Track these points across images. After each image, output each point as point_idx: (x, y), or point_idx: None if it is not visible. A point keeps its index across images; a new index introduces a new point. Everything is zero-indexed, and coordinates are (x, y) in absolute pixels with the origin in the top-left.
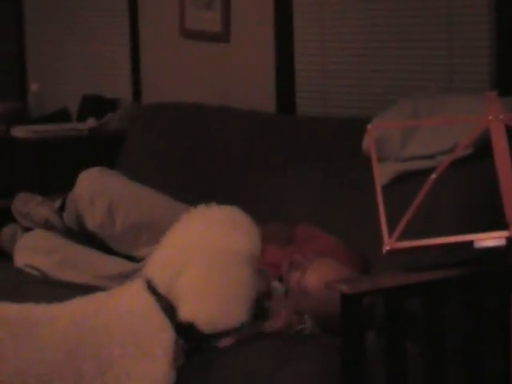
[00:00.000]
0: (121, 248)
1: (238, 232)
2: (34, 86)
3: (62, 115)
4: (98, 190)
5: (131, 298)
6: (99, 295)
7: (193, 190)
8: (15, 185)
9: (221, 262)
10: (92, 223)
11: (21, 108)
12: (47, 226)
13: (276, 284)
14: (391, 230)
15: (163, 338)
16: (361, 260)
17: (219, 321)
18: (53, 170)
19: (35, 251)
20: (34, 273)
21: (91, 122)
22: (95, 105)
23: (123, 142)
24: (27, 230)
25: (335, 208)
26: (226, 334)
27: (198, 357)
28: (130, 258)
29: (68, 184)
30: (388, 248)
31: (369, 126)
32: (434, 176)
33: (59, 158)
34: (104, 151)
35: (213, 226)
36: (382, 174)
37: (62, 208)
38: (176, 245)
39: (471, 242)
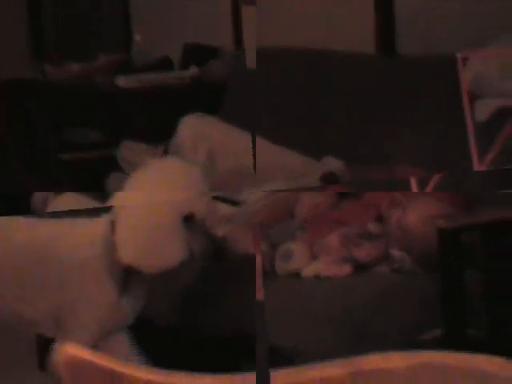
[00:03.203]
0: (223, 192)
1: None
2: (137, 37)
3: (165, 64)
4: (199, 136)
5: None
6: None
7: (295, 136)
8: (120, 133)
9: None
10: None
11: (125, 58)
12: None
13: None
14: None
15: None
16: (462, 198)
17: None
18: (156, 118)
19: None
20: None
21: (193, 71)
22: (197, 53)
23: (225, 90)
24: None
25: (437, 146)
26: None
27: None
28: (232, 203)
29: (171, 132)
30: None
31: (458, 55)
32: None
33: (162, 107)
34: (206, 99)
35: None
36: (481, 111)
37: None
38: None
39: None
